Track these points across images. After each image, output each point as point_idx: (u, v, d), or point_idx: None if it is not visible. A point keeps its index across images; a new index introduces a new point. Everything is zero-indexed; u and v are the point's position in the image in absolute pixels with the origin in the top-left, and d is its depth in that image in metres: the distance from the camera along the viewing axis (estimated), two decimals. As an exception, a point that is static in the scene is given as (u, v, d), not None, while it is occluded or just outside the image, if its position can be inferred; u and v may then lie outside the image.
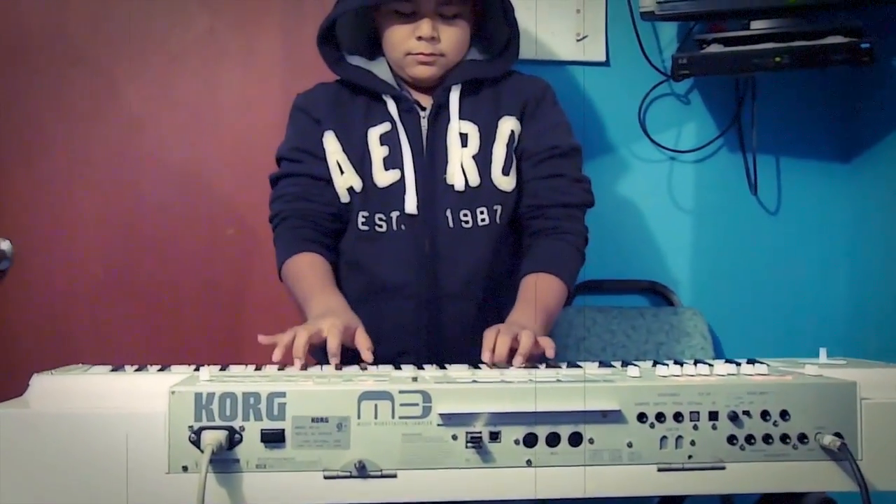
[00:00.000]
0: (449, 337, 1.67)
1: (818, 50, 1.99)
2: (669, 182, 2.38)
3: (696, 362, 1.29)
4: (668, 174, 2.38)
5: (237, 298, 2.35)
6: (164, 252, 2.32)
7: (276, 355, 1.32)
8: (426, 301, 1.66)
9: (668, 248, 2.39)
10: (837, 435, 1.12)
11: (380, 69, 1.72)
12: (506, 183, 1.67)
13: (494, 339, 1.38)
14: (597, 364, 1.35)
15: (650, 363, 1.35)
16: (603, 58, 2.33)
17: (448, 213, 1.66)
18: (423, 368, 1.31)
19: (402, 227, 1.66)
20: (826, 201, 2.39)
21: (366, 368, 1.34)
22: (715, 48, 2.08)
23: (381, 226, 1.66)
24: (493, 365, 1.36)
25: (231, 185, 2.32)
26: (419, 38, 1.65)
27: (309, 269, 1.63)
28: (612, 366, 1.33)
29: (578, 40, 2.32)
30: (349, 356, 1.39)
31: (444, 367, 1.32)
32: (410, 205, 1.65)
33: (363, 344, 1.40)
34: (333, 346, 1.34)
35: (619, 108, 2.35)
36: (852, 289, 2.38)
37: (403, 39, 1.66)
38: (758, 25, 2.07)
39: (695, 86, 2.36)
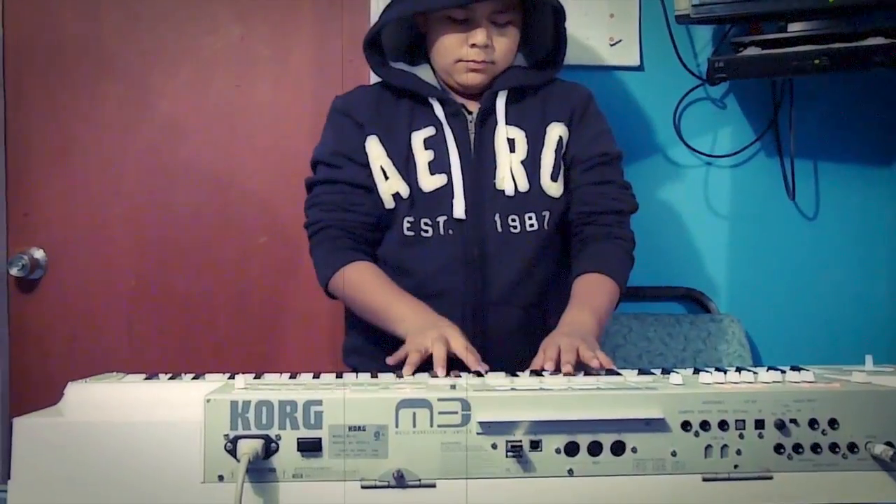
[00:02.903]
0: (494, 341, 1.65)
1: (858, 51, 1.95)
2: (705, 187, 2.35)
3: (739, 369, 1.26)
4: (703, 179, 2.35)
5: (270, 306, 2.34)
6: (197, 260, 2.33)
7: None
8: (472, 306, 1.65)
9: (705, 254, 2.36)
10: (889, 444, 1.08)
11: (424, 74, 1.72)
12: (554, 189, 1.66)
13: (552, 353, 1.36)
14: (636, 371, 1.32)
15: (691, 370, 1.32)
16: (637, 62, 2.30)
17: (497, 217, 1.65)
18: (460, 376, 1.29)
19: (450, 231, 1.64)
20: (866, 206, 2.35)
21: (401, 376, 1.32)
22: (752, 51, 2.05)
23: (426, 230, 1.65)
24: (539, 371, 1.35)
25: (263, 193, 2.32)
26: (472, 46, 1.63)
27: (373, 277, 1.63)
28: (652, 373, 1.30)
29: (612, 45, 2.30)
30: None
31: (482, 375, 1.30)
32: (459, 209, 1.63)
33: (472, 360, 1.39)
34: (441, 355, 1.36)
35: (653, 112, 2.33)
36: (894, 296, 2.33)
37: (456, 46, 1.65)
38: (796, 27, 2.04)
39: (731, 89, 2.33)
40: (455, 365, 1.36)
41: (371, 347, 1.66)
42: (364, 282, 1.62)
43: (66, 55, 2.29)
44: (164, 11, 2.30)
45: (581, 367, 1.34)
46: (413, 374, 1.33)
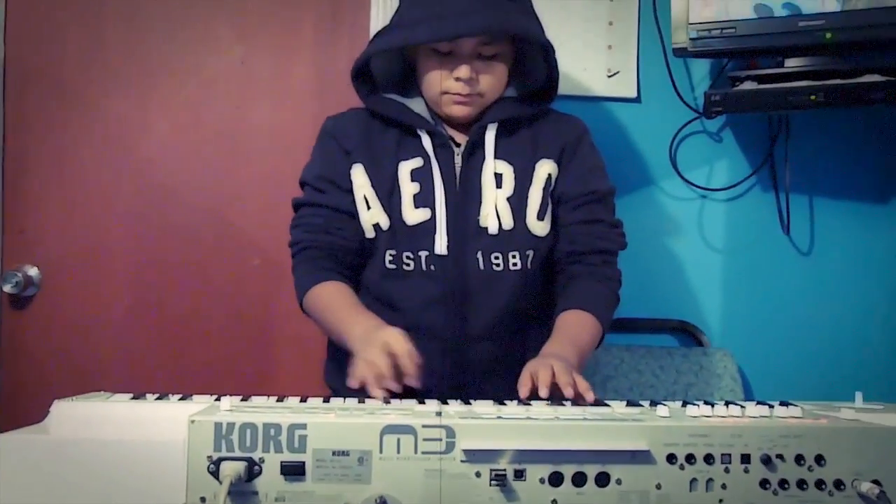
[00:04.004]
0: (473, 377, 1.65)
1: (855, 88, 1.96)
2: (700, 220, 2.35)
3: (727, 403, 1.25)
4: (698, 212, 2.35)
5: (263, 328, 2.34)
6: (192, 280, 2.32)
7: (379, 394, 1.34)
8: (452, 342, 1.64)
9: (699, 287, 2.36)
10: (876, 482, 1.08)
11: (415, 105, 1.70)
12: (540, 228, 1.65)
13: (545, 375, 1.34)
14: (624, 403, 1.32)
15: (679, 403, 1.32)
16: (634, 94, 2.32)
17: (479, 255, 1.63)
18: (447, 403, 1.29)
19: (432, 267, 1.63)
20: (862, 242, 2.35)
21: (389, 402, 1.32)
22: (749, 85, 2.06)
23: (408, 264, 1.64)
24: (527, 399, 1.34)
25: (260, 215, 2.32)
26: (457, 79, 1.63)
27: (336, 295, 1.61)
28: (640, 405, 1.30)
29: (609, 76, 2.31)
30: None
31: (469, 403, 1.30)
32: (441, 246, 1.62)
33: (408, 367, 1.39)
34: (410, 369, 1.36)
35: (650, 144, 2.33)
36: (889, 332, 2.32)
37: (441, 79, 1.64)
38: (793, 63, 2.05)
39: (727, 123, 2.34)
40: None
41: (346, 368, 1.65)
42: (327, 301, 1.61)
43: (67, 72, 2.30)
44: (166, 31, 2.31)
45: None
46: (387, 392, 1.32)
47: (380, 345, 1.38)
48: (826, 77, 2.00)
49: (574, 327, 1.57)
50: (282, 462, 1.04)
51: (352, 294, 1.63)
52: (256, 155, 2.34)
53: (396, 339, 1.39)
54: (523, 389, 1.35)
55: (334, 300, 1.61)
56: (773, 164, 2.33)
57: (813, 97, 1.99)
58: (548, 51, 1.66)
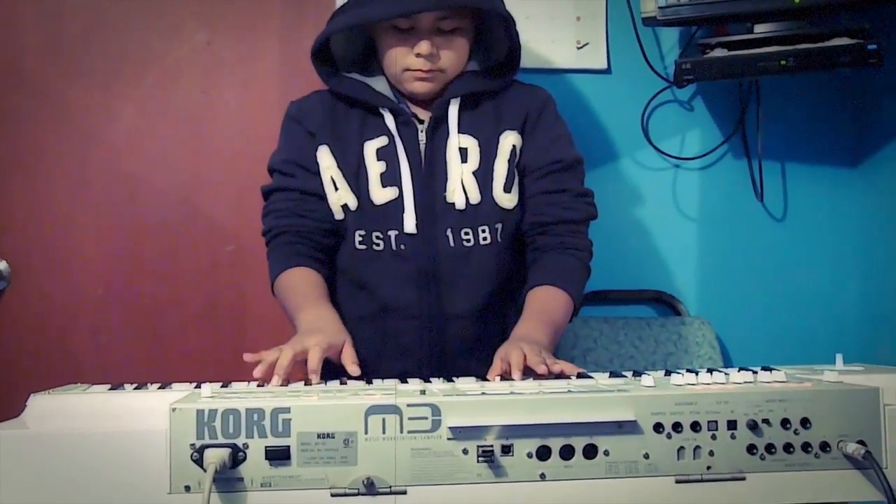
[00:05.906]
0: (452, 355, 1.64)
1: (824, 52, 1.96)
2: (674, 190, 2.35)
3: (710, 370, 1.25)
4: (672, 182, 2.35)
5: (238, 315, 2.32)
6: (165, 269, 2.30)
7: (258, 372, 1.28)
8: (429, 321, 1.63)
9: (674, 257, 2.36)
10: (861, 443, 1.08)
11: (377, 84, 1.69)
12: (507, 200, 1.64)
13: (517, 358, 1.33)
14: (607, 374, 1.32)
15: (663, 372, 1.32)
16: (604, 65, 2.30)
17: (449, 232, 1.62)
18: (430, 382, 1.28)
19: (402, 246, 1.62)
20: (834, 206, 2.36)
21: (371, 382, 1.31)
22: (718, 52, 2.06)
23: (378, 244, 1.62)
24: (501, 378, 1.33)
25: (230, 200, 2.30)
26: (418, 55, 1.61)
27: (300, 282, 1.60)
28: (623, 376, 1.30)
29: (579, 48, 2.30)
30: (336, 372, 1.38)
31: (452, 381, 1.29)
32: (409, 224, 1.61)
33: (349, 358, 1.39)
34: (313, 362, 1.32)
35: (621, 115, 2.33)
36: (863, 296, 2.34)
37: (402, 56, 1.62)
38: (762, 28, 2.05)
39: (698, 92, 2.33)
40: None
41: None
42: (291, 287, 1.59)
43: (28, 62, 2.25)
44: (129, 16, 2.27)
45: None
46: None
47: (299, 345, 1.36)
48: (795, 42, 2.01)
49: (544, 304, 1.56)
50: (266, 447, 1.03)
51: (317, 282, 1.61)
52: (224, 139, 2.31)
53: (314, 347, 1.35)
54: (493, 374, 1.34)
55: (297, 287, 1.59)
56: (744, 131, 2.33)
57: (783, 62, 1.99)
58: (508, 23, 1.64)
